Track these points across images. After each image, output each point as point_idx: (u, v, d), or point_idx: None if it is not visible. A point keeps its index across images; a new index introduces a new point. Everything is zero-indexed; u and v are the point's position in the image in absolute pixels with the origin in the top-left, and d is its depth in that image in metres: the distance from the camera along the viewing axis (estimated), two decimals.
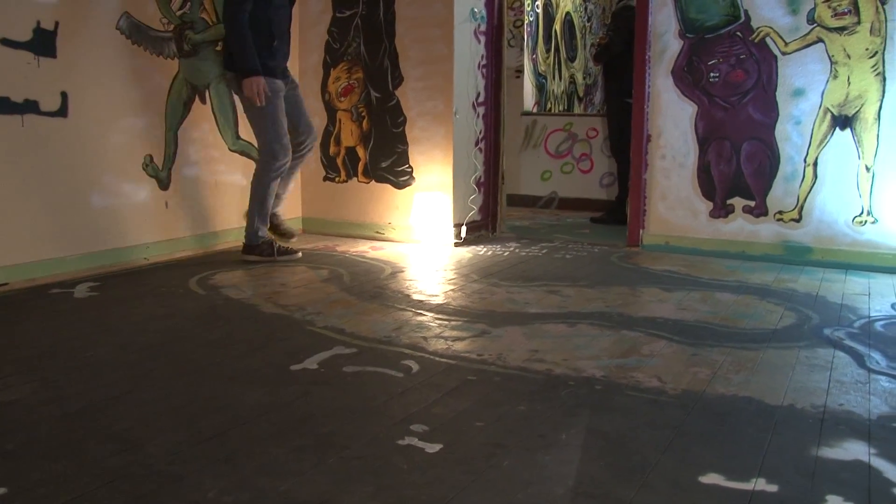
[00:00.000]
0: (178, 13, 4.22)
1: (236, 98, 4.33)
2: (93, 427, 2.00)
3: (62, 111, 3.68)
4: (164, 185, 4.23)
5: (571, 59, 8.80)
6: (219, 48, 4.49)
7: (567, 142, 6.70)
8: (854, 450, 1.91)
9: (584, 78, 9.06)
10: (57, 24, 3.61)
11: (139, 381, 2.34)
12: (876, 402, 2.23)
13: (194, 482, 1.70)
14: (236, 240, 4.68)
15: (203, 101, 4.43)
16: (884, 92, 3.99)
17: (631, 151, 4.73)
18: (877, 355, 2.66)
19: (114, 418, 2.06)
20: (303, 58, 5.12)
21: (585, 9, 8.96)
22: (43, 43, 3.57)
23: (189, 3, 4.28)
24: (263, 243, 4.16)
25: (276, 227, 4.35)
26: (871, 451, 1.90)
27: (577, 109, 8.91)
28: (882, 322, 3.10)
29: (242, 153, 4.72)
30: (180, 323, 3.01)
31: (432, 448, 1.89)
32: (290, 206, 5.14)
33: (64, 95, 3.67)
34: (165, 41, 4.17)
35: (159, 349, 2.67)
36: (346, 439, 1.93)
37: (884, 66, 3.97)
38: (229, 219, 4.66)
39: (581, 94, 9.00)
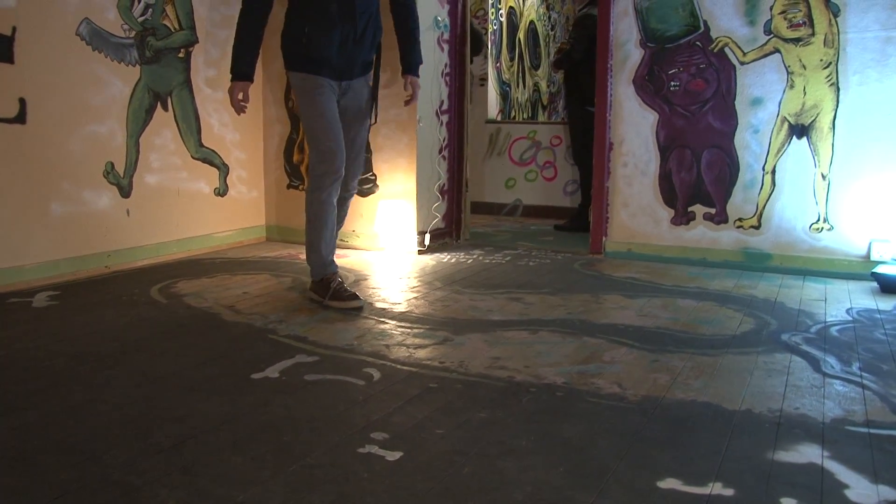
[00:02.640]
0: (140, 19, 4.18)
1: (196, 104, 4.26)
2: (47, 439, 1.97)
3: (20, 118, 3.62)
4: (125, 192, 4.18)
5: (535, 67, 8.87)
6: (181, 55, 4.46)
7: (531, 149, 6.74)
8: (808, 453, 1.94)
9: (548, 86, 9.14)
10: (14, 29, 3.56)
11: (96, 392, 2.31)
12: (830, 406, 2.27)
13: (151, 493, 1.68)
14: (199, 248, 4.65)
15: (165, 108, 4.39)
16: (838, 102, 4.07)
17: (593, 159, 4.78)
18: (832, 360, 2.71)
19: (69, 430, 2.03)
20: (266, 65, 5.09)
21: (549, 17, 9.05)
22: (0, 48, 3.52)
23: (151, 10, 4.24)
24: (325, 278, 3.42)
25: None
26: (824, 454, 1.93)
27: (542, 117, 8.98)
28: (837, 327, 3.16)
29: (205, 161, 4.68)
30: (140, 332, 2.98)
31: (393, 456, 1.89)
32: (253, 215, 5.12)
33: (22, 102, 3.62)
34: (127, 47, 4.13)
35: (118, 359, 2.64)
36: (306, 448, 1.93)
37: (837, 77, 4.06)
38: (192, 227, 4.62)
39: (545, 103, 9.07)
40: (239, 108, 3.38)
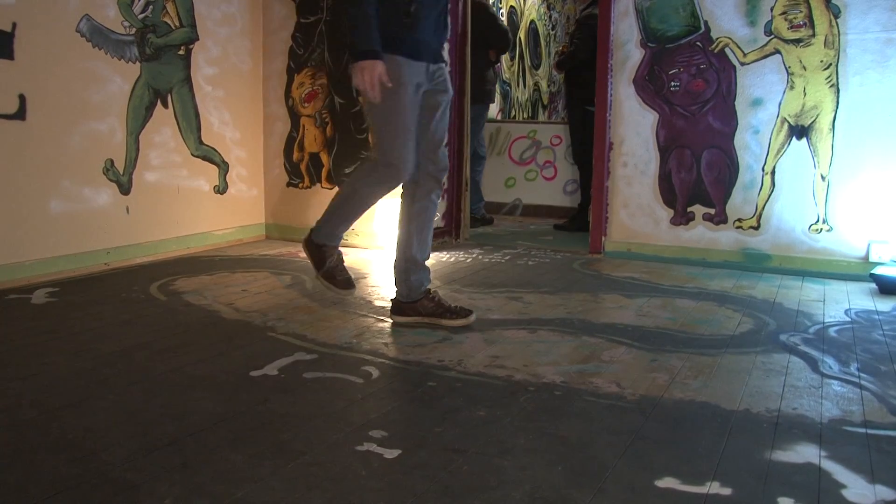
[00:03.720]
0: (140, 16, 4.18)
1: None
2: (45, 436, 1.97)
3: (20, 114, 3.62)
4: (124, 189, 4.18)
5: (536, 66, 8.87)
6: (181, 52, 4.46)
7: (531, 149, 6.75)
8: (806, 453, 1.94)
9: (549, 86, 9.14)
10: (14, 25, 3.56)
11: (95, 389, 2.31)
12: (828, 406, 2.27)
13: (149, 490, 1.68)
14: (198, 246, 4.65)
15: (165, 105, 4.39)
16: (838, 103, 4.07)
17: (593, 159, 4.78)
18: (830, 360, 2.71)
19: (68, 427, 2.03)
20: (266, 63, 5.10)
21: (550, 17, 9.05)
22: (0, 44, 3.52)
23: (151, 7, 4.24)
24: (326, 248, 3.08)
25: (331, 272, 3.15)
26: (822, 453, 1.93)
27: (542, 117, 8.99)
28: (836, 328, 3.16)
29: (205, 158, 4.68)
30: (139, 329, 2.98)
31: (391, 454, 1.89)
32: (252, 212, 5.12)
33: (22, 98, 3.62)
34: (127, 44, 4.13)
35: (117, 356, 2.64)
36: (304, 445, 1.93)
37: (837, 78, 4.06)
38: (191, 224, 4.62)
39: (545, 102, 9.08)
40: (377, 92, 2.80)
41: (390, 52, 2.81)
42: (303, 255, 4.57)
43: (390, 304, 3.18)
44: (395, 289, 3.13)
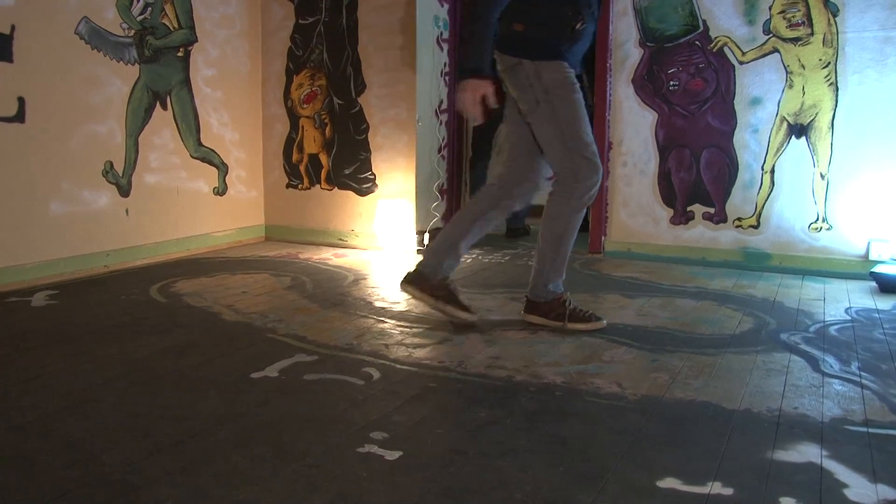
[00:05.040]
0: (139, 18, 4.18)
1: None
2: (46, 438, 1.97)
3: (19, 116, 3.62)
4: (124, 192, 4.18)
5: None
6: (180, 54, 4.46)
7: None
8: (807, 452, 1.94)
9: None
10: (13, 27, 3.56)
11: (95, 391, 2.31)
12: (829, 405, 2.27)
13: (150, 492, 1.68)
14: (198, 247, 4.65)
15: (164, 107, 4.39)
16: (836, 101, 4.07)
17: None
18: (831, 359, 2.71)
19: (68, 429, 2.02)
20: (265, 64, 5.10)
21: None
22: None
23: (150, 9, 4.24)
24: (555, 301, 3.03)
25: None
26: (823, 453, 1.93)
27: None
28: (836, 327, 3.16)
29: (204, 160, 4.69)
30: (140, 331, 2.98)
31: (392, 455, 1.88)
32: (252, 214, 5.12)
33: (21, 100, 3.62)
34: (126, 46, 4.13)
35: (117, 358, 2.63)
36: (305, 447, 1.92)
37: (836, 77, 4.06)
38: (191, 226, 4.62)
39: None
40: (478, 113, 2.74)
41: (554, 57, 2.79)
42: (303, 255, 4.58)
43: (411, 275, 3.09)
44: (422, 259, 3.10)
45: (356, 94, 4.84)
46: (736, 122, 4.33)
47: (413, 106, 4.68)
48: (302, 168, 5.07)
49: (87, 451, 1.88)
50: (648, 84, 4.52)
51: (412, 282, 3.08)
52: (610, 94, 4.62)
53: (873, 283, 3.90)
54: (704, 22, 4.33)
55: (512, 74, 2.86)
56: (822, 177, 4.16)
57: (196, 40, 4.57)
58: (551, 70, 2.79)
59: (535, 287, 3.08)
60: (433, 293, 3.05)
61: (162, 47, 4.34)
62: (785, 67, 4.16)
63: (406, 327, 3.07)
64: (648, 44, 4.50)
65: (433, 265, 3.05)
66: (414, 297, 3.10)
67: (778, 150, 4.24)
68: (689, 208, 4.50)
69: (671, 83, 4.45)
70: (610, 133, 4.66)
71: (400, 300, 3.52)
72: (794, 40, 4.12)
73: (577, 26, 2.78)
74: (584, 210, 3.01)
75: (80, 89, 3.90)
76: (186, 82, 4.53)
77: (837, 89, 4.07)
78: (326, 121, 4.95)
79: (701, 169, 4.44)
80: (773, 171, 4.27)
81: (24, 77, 3.62)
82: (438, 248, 3.08)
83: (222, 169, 4.84)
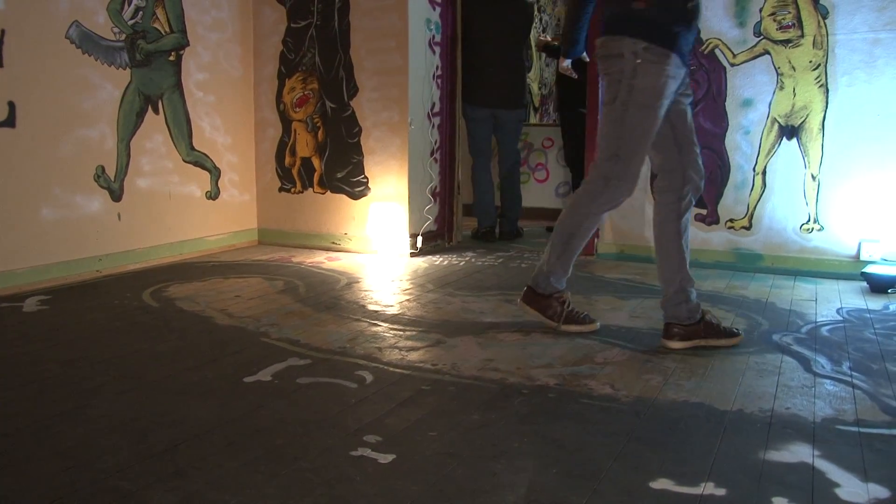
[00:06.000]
0: (130, 22, 4.18)
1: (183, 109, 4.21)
2: (39, 444, 1.96)
3: (10, 121, 3.61)
4: (116, 196, 4.17)
5: (528, 69, 8.86)
6: (172, 58, 4.45)
7: (523, 151, 6.75)
8: (799, 452, 1.95)
9: (540, 88, 9.15)
10: (3, 32, 3.54)
11: (88, 397, 2.31)
12: (821, 406, 2.28)
13: (143, 498, 1.67)
14: (191, 252, 4.64)
15: (156, 111, 4.39)
16: (827, 103, 4.09)
17: (585, 161, 4.78)
18: (822, 360, 2.72)
19: (61, 435, 2.02)
20: (257, 68, 5.09)
21: (540, 20, 9.06)
22: None
23: (141, 13, 4.23)
24: (555, 297, 3.04)
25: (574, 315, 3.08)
26: (815, 453, 1.94)
27: (533, 119, 8.98)
28: (828, 327, 3.18)
29: (197, 164, 4.68)
30: (132, 336, 2.97)
31: (385, 458, 1.89)
32: (245, 218, 5.11)
33: (11, 105, 3.61)
34: (117, 51, 4.12)
35: (110, 363, 2.63)
36: (298, 451, 1.92)
37: (826, 78, 4.08)
38: (183, 230, 4.61)
39: (536, 105, 9.07)
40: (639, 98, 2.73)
41: (669, 47, 2.67)
42: (296, 259, 4.58)
43: (666, 330, 2.89)
44: (668, 312, 2.89)
45: (348, 98, 4.84)
46: (727, 124, 4.34)
47: (405, 109, 4.69)
48: (294, 172, 5.07)
49: (79, 457, 1.88)
50: None
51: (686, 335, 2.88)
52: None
53: (864, 284, 3.92)
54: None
55: (608, 62, 2.78)
56: (814, 178, 4.17)
57: (188, 44, 4.56)
58: (650, 75, 2.67)
59: (538, 275, 3.04)
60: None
61: (153, 51, 4.33)
62: (776, 69, 4.18)
63: (399, 330, 3.07)
64: None
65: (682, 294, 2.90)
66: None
67: (769, 151, 4.26)
68: None
69: None
70: None
71: (393, 303, 3.52)
72: (785, 42, 4.14)
73: (690, 4, 2.68)
74: (601, 218, 3.01)
75: (72, 94, 3.89)
76: (178, 86, 4.52)
77: (828, 91, 4.09)
78: (319, 124, 4.95)
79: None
80: (764, 173, 4.29)
81: (14, 82, 3.61)
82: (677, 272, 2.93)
83: (214, 173, 4.83)
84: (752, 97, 4.27)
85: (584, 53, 3.20)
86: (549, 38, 6.71)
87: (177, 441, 1.98)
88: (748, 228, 4.37)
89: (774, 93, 4.21)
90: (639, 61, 2.66)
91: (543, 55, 8.25)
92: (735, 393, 2.38)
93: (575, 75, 3.36)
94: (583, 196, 2.91)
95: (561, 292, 3.05)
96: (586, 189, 2.90)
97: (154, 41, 4.33)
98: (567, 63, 3.25)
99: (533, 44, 6.05)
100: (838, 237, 4.16)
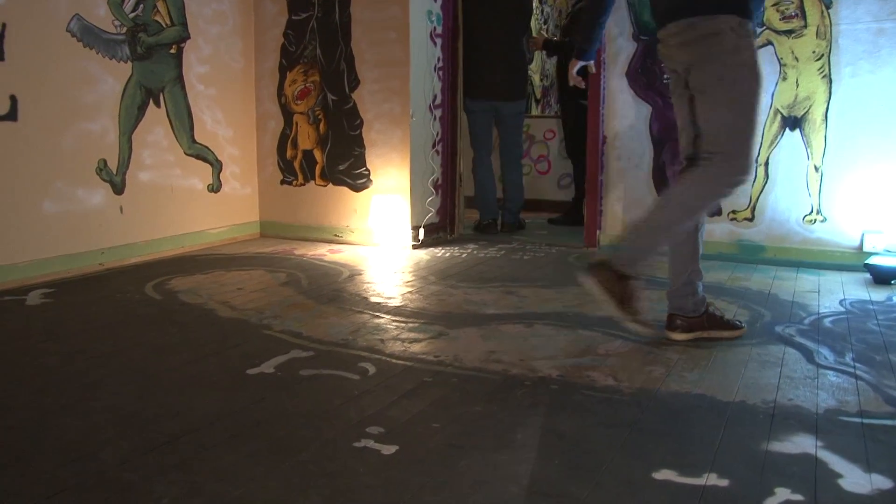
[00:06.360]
0: (131, 15, 4.17)
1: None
2: (41, 437, 1.97)
3: (12, 115, 3.61)
4: (118, 189, 4.17)
5: (529, 61, 8.84)
6: (173, 51, 4.44)
7: (524, 143, 6.74)
8: (802, 443, 1.95)
9: (542, 80, 9.13)
10: (4, 25, 3.54)
11: (91, 389, 2.31)
12: (823, 397, 2.27)
13: (146, 490, 1.68)
14: (193, 245, 4.64)
15: (158, 104, 4.38)
16: (830, 94, 4.08)
17: (587, 153, 4.78)
18: (825, 351, 2.72)
19: (63, 428, 2.02)
20: (259, 60, 5.08)
21: (542, 11, 9.03)
22: None
23: (142, 5, 4.22)
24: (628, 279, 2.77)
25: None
26: (818, 444, 1.94)
27: (535, 111, 8.97)
28: (831, 318, 3.17)
29: (198, 157, 4.67)
30: (135, 329, 2.97)
31: (388, 450, 1.89)
32: (246, 211, 5.11)
33: (13, 99, 3.61)
34: (118, 44, 4.11)
35: (112, 356, 2.63)
36: (301, 443, 1.93)
37: (829, 69, 4.06)
38: (186, 223, 4.61)
39: (538, 96, 9.06)
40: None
41: (749, 19, 2.59)
42: (298, 251, 4.58)
43: (669, 322, 2.87)
44: (674, 304, 2.87)
45: (350, 90, 4.83)
46: None
47: (407, 101, 4.68)
48: (296, 164, 5.06)
49: (82, 450, 1.88)
50: (642, 77, 4.52)
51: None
52: (604, 88, 4.62)
53: (867, 275, 3.91)
54: None
55: (698, 45, 2.61)
56: (817, 169, 4.16)
57: (189, 37, 4.55)
58: (749, 50, 2.58)
59: (623, 254, 2.83)
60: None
61: (154, 44, 4.33)
62: (778, 60, 4.17)
63: (402, 322, 3.07)
64: (642, 37, 4.50)
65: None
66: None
67: (772, 142, 4.25)
68: None
69: (665, 76, 4.45)
70: (604, 127, 4.66)
71: (396, 296, 3.52)
72: (788, 32, 4.12)
73: None
74: (718, 198, 2.93)
75: (73, 87, 3.89)
76: (179, 79, 4.52)
77: (831, 81, 4.07)
78: (320, 117, 4.94)
79: None
80: (767, 164, 4.28)
81: (16, 75, 3.61)
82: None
83: (216, 166, 4.83)
84: None
85: (593, 62, 3.30)
86: (545, 36, 6.65)
87: (179, 433, 1.98)
88: (751, 220, 4.36)
89: (777, 83, 4.19)
90: (737, 37, 2.55)
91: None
92: (738, 384, 2.38)
93: (583, 85, 3.40)
94: (702, 174, 2.68)
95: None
96: (707, 169, 2.66)
97: (155, 34, 4.32)
98: (580, 66, 3.26)
99: (534, 33, 6.02)
100: (841, 228, 4.15)
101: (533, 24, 8.84)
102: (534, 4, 6.09)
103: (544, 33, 8.27)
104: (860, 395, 2.30)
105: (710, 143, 2.65)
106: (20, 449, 1.89)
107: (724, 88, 2.58)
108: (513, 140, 5.53)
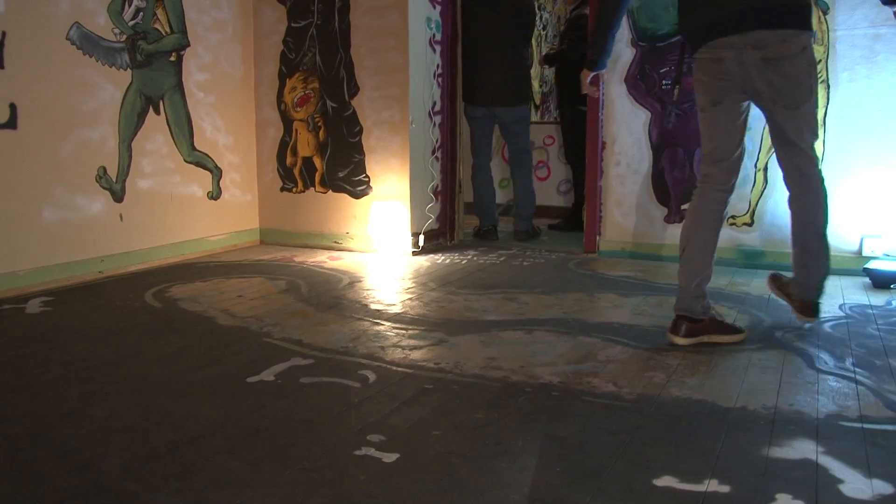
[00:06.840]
0: (131, 23, 4.18)
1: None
2: (42, 446, 1.97)
3: (11, 123, 3.61)
4: (118, 197, 4.18)
5: (530, 65, 8.85)
6: (172, 58, 4.45)
7: None
8: (803, 448, 1.95)
9: (541, 86, 9.14)
10: (4, 34, 3.55)
11: (91, 398, 2.31)
12: (824, 402, 2.27)
13: (147, 499, 1.68)
14: (193, 252, 4.65)
15: (157, 112, 4.39)
16: (828, 99, 4.09)
17: (586, 158, 4.78)
18: (825, 356, 2.72)
19: (64, 437, 2.02)
20: (258, 68, 5.09)
21: (540, 17, 9.05)
22: None
23: (141, 13, 4.23)
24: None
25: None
26: (818, 449, 1.94)
27: (534, 117, 8.97)
28: (830, 323, 3.17)
29: (198, 164, 4.68)
30: (135, 337, 2.97)
31: (389, 458, 1.89)
32: (246, 218, 5.11)
33: (13, 107, 3.61)
34: (118, 52, 4.12)
35: (113, 364, 2.63)
36: (302, 451, 1.93)
37: (827, 74, 4.07)
38: (185, 231, 4.62)
39: (537, 102, 9.07)
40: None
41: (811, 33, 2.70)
42: (298, 258, 4.58)
43: (675, 325, 2.87)
44: (685, 306, 2.85)
45: (349, 97, 4.84)
46: None
47: (406, 108, 4.68)
48: (296, 171, 5.07)
49: (83, 459, 1.88)
50: (641, 83, 4.53)
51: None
52: (602, 94, 4.63)
53: (867, 279, 3.91)
54: None
55: (785, 63, 2.66)
56: None
57: (188, 45, 4.56)
58: (815, 63, 2.71)
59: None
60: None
61: (154, 52, 4.34)
62: None
63: (402, 329, 3.07)
64: (640, 43, 4.51)
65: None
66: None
67: (771, 148, 4.25)
68: (683, 207, 4.51)
69: (664, 82, 4.46)
70: (603, 133, 4.66)
71: (396, 302, 3.52)
72: None
73: None
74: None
75: (73, 95, 3.90)
76: (179, 87, 4.53)
77: (829, 87, 4.08)
78: (320, 124, 4.95)
79: (694, 167, 4.45)
80: (766, 169, 4.28)
81: (15, 83, 3.61)
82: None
83: (216, 173, 4.83)
84: None
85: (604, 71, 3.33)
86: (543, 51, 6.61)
87: (180, 441, 1.98)
88: (750, 225, 4.37)
89: None
90: (812, 52, 2.69)
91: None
92: (738, 390, 2.38)
93: (596, 94, 3.40)
94: (814, 188, 3.02)
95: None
96: (813, 183, 3.00)
97: (154, 42, 4.33)
98: (592, 76, 3.26)
99: (534, 42, 6.01)
100: (840, 233, 4.15)
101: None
102: (535, 11, 6.07)
103: (543, 40, 8.27)
104: (860, 399, 2.30)
105: (803, 156, 2.93)
106: (21, 458, 1.89)
107: (812, 102, 2.76)
108: (518, 145, 5.51)
